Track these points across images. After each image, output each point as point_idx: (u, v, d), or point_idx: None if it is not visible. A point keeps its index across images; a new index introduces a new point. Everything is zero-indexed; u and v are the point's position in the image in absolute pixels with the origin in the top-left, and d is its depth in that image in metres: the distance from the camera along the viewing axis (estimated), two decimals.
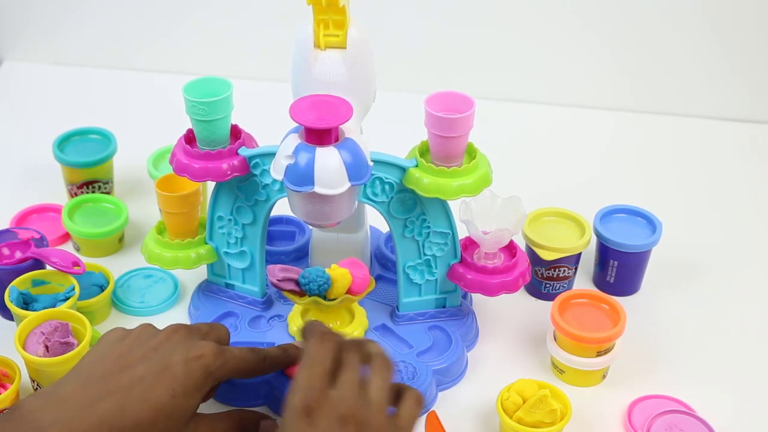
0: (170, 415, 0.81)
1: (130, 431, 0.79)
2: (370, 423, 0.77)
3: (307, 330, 0.85)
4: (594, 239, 1.10)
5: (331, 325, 1.00)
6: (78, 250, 1.16)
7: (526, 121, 1.41)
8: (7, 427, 0.77)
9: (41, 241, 1.07)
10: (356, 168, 0.89)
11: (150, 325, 0.88)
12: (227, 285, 1.06)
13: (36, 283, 1.04)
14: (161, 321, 0.96)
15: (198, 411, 0.86)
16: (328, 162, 0.88)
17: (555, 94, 1.44)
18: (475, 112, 0.91)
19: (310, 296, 0.96)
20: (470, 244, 1.01)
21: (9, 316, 1.03)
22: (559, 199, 1.15)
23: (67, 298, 1.01)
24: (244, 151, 0.97)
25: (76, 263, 1.04)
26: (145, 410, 0.80)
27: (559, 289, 1.09)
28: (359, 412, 0.77)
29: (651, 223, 1.10)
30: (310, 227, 1.12)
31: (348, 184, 0.89)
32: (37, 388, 0.96)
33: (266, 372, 0.91)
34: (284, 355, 0.92)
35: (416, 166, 0.94)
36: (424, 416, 0.96)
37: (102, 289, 1.07)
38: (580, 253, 1.09)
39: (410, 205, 0.97)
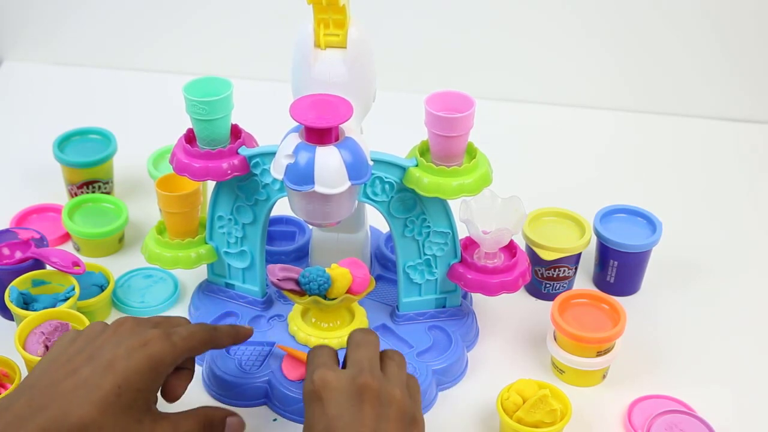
0: (119, 413, 0.78)
1: None
2: (407, 406, 0.81)
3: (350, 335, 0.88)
4: (594, 239, 1.10)
5: (330, 324, 1.00)
6: (78, 250, 1.16)
7: (526, 121, 1.41)
8: None
9: (41, 241, 1.07)
10: (356, 167, 0.89)
11: (100, 323, 0.85)
12: (227, 285, 1.06)
13: (36, 283, 1.04)
14: None
15: (166, 411, 0.84)
16: (329, 161, 0.88)
17: (555, 94, 1.44)
18: (475, 111, 0.91)
19: (310, 296, 0.96)
20: (470, 243, 1.01)
21: (9, 316, 1.03)
22: (559, 199, 1.15)
23: (67, 298, 1.01)
24: (244, 151, 0.97)
25: (76, 263, 1.04)
26: (89, 412, 0.77)
27: (559, 289, 1.09)
28: (404, 400, 0.81)
29: (651, 223, 1.10)
30: (310, 227, 1.12)
31: (348, 184, 0.89)
32: None
33: (220, 344, 0.89)
34: (234, 331, 0.90)
35: (416, 165, 0.94)
36: None
37: (102, 289, 1.07)
38: (580, 253, 1.09)
39: (410, 204, 0.97)
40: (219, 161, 0.96)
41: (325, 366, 0.82)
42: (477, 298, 1.08)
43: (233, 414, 0.88)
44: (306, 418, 0.80)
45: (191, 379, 0.88)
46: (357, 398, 0.79)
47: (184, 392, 0.87)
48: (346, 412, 0.78)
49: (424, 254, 1.00)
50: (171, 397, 0.86)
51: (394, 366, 0.84)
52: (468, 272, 0.99)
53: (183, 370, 0.87)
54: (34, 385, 0.79)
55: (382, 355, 0.86)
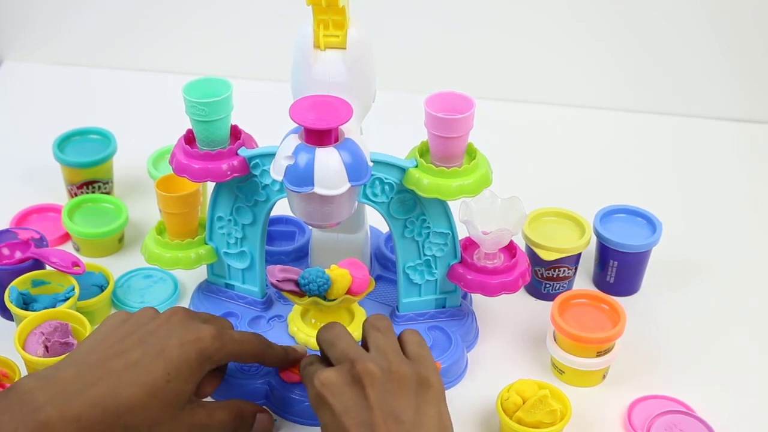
0: (165, 398, 0.82)
1: (123, 413, 0.79)
2: (407, 372, 0.82)
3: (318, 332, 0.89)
4: (594, 239, 1.10)
5: None
6: (78, 250, 1.16)
7: (526, 121, 1.41)
8: (3, 405, 0.77)
9: (41, 241, 1.07)
10: (356, 168, 0.89)
11: (151, 309, 0.88)
12: (227, 285, 1.06)
13: (36, 283, 1.04)
14: None
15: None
16: (328, 162, 0.88)
17: (555, 94, 1.44)
18: (475, 112, 0.91)
19: (309, 297, 0.96)
20: (470, 244, 1.01)
21: (9, 316, 1.03)
22: (559, 199, 1.15)
23: (67, 299, 1.01)
24: (243, 152, 0.96)
25: (76, 263, 1.04)
26: (138, 393, 0.80)
27: (559, 289, 1.09)
28: (400, 368, 0.82)
29: (651, 223, 1.10)
30: (310, 227, 1.12)
31: (348, 185, 0.89)
32: None
33: (268, 362, 0.92)
34: (285, 353, 0.93)
35: (416, 166, 0.94)
36: None
37: (102, 289, 1.07)
38: (580, 253, 1.09)
39: (410, 205, 0.97)
40: (218, 162, 0.96)
41: (321, 369, 0.83)
42: (477, 298, 1.08)
43: (263, 410, 0.91)
44: (321, 424, 0.82)
45: (222, 379, 0.91)
46: (358, 387, 0.81)
47: (213, 391, 0.89)
48: (352, 404, 0.80)
49: (424, 255, 1.00)
50: (201, 393, 0.88)
51: (380, 337, 0.86)
52: (468, 273, 0.99)
53: (216, 371, 0.89)
54: (83, 360, 0.82)
55: (366, 325, 0.88)
